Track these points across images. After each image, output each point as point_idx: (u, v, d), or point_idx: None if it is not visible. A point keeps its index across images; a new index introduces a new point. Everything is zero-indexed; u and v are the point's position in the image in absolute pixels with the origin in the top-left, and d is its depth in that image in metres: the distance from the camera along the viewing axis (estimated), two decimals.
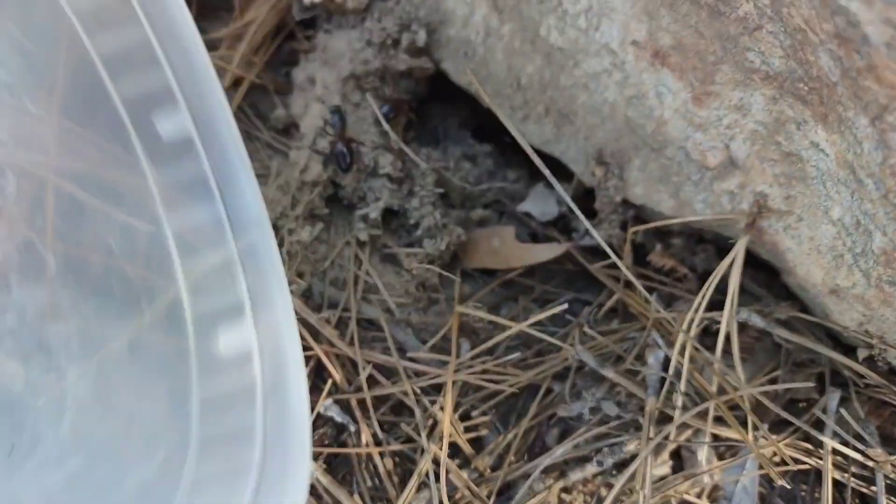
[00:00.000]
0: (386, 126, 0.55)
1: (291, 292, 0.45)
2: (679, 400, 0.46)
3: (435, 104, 0.63)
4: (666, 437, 0.47)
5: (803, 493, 0.54)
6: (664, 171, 0.52)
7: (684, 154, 0.49)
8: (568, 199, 0.55)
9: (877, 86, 0.31)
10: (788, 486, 0.52)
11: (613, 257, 0.52)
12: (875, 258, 0.39)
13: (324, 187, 0.53)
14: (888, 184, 0.35)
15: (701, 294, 0.47)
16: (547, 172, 0.53)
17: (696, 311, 0.47)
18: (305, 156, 0.52)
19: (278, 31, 0.57)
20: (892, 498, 0.52)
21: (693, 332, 0.46)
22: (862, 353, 0.49)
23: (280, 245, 0.50)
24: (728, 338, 0.47)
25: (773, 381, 0.54)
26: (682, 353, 0.47)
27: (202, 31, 0.56)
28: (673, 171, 0.51)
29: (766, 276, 0.58)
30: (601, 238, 0.55)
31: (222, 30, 0.55)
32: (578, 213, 0.53)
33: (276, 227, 0.51)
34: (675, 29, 0.43)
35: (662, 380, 0.49)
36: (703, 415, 0.49)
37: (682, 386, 0.46)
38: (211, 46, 0.55)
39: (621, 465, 0.51)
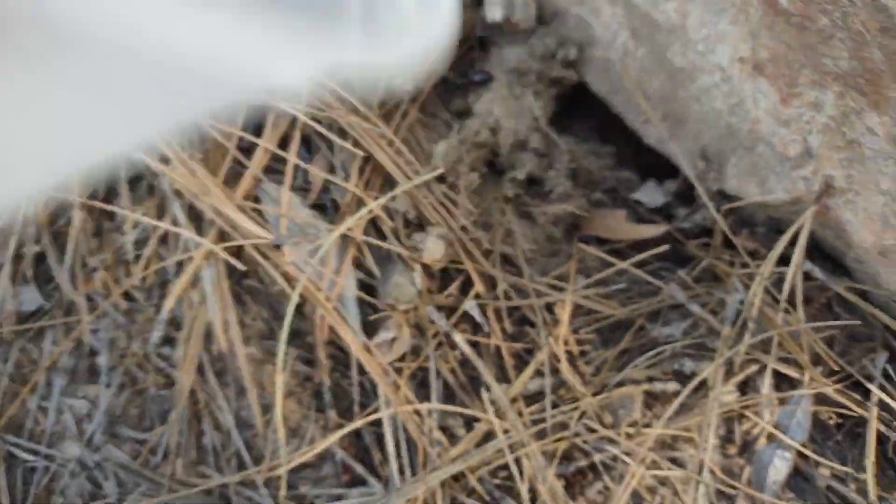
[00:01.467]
0: (537, 113, 0.72)
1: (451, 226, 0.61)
2: (748, 328, 0.59)
3: (575, 112, 0.80)
4: (734, 354, 0.59)
5: (841, 442, 0.64)
6: (754, 165, 0.66)
7: (770, 149, 0.63)
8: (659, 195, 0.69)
9: None
10: (836, 428, 0.63)
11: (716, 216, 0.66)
12: None
13: (486, 151, 0.70)
14: None
15: (775, 250, 0.60)
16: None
17: (769, 263, 0.60)
18: (478, 123, 0.69)
19: (463, 41, 0.76)
20: None
21: (766, 275, 0.59)
22: None
23: (455, 180, 0.67)
24: (794, 288, 0.59)
25: (831, 344, 0.65)
26: (755, 295, 0.60)
27: None
28: (761, 165, 0.65)
29: (831, 265, 0.70)
30: (696, 220, 0.69)
31: None
32: (700, 190, 0.68)
33: (447, 174, 0.68)
34: (771, 45, 0.58)
35: (738, 316, 0.62)
36: (768, 349, 0.61)
37: (755, 312, 0.59)
38: None
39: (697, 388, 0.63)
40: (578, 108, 0.81)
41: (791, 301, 0.62)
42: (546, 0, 0.75)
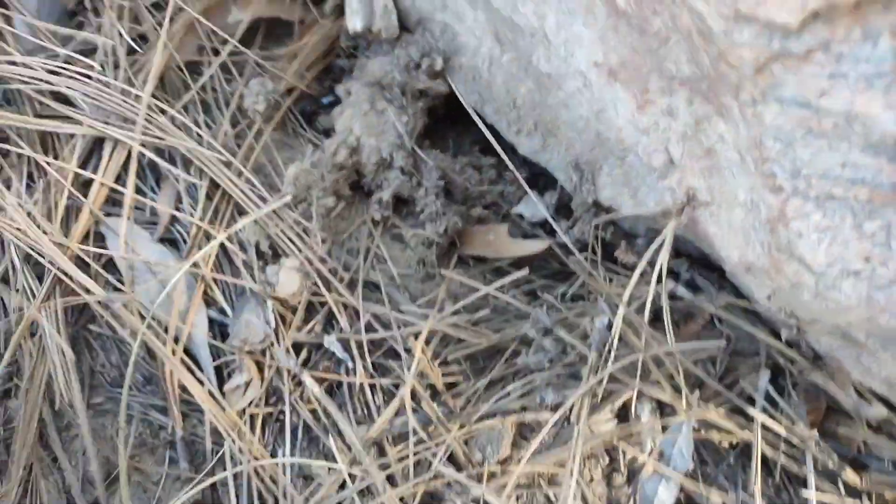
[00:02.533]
0: (401, 129, 0.67)
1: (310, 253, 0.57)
2: (613, 353, 0.54)
3: (451, 123, 0.75)
4: (600, 382, 0.55)
5: (732, 466, 0.59)
6: (626, 176, 0.61)
7: (638, 159, 0.59)
8: (542, 208, 0.65)
9: (729, 69, 0.40)
10: (728, 450, 0.58)
11: (572, 248, 0.61)
12: (764, 228, 0.47)
13: (348, 172, 0.65)
14: (754, 154, 0.43)
15: (639, 269, 0.56)
16: (522, 181, 0.64)
17: (631, 283, 0.55)
18: (336, 143, 0.64)
19: (327, 53, 0.71)
20: (822, 477, 0.57)
21: (626, 296, 0.55)
22: (785, 334, 0.56)
23: (308, 206, 0.62)
24: (658, 307, 0.55)
25: (714, 362, 0.61)
26: (619, 317, 0.55)
27: (266, 49, 0.71)
28: (632, 175, 0.61)
29: (718, 276, 0.65)
30: (575, 235, 0.65)
31: (282, 49, 0.69)
32: (549, 216, 0.63)
33: (305, 197, 0.63)
34: (619, 48, 0.53)
35: (605, 342, 0.57)
36: (643, 376, 0.57)
37: (615, 343, 0.54)
38: (271, 60, 0.69)
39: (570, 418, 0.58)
40: (456, 119, 0.76)
41: (660, 320, 0.57)
42: (411, 7, 0.70)
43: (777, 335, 0.59)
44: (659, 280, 0.56)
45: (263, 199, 0.61)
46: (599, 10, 0.53)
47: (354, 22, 0.69)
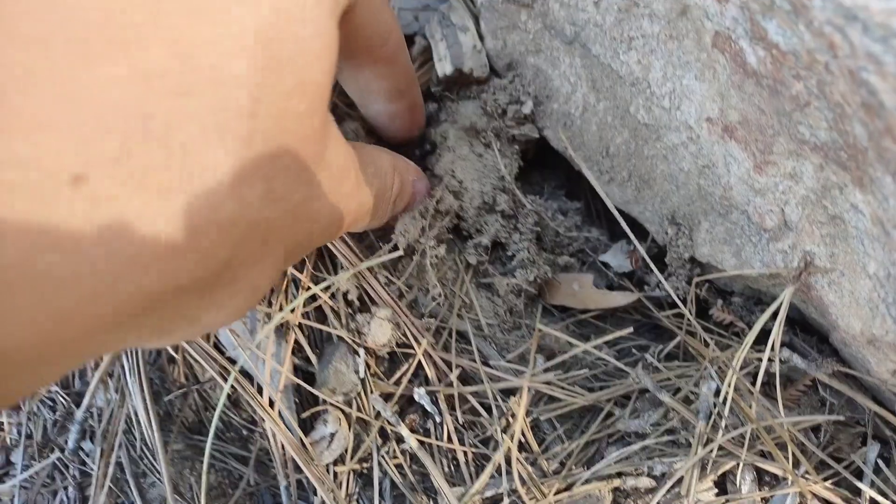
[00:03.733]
0: (503, 172, 0.65)
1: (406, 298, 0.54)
2: (723, 422, 0.52)
3: (539, 167, 0.73)
4: (709, 452, 0.52)
5: None
6: (729, 233, 0.59)
7: (746, 218, 0.56)
8: (642, 251, 0.63)
9: (894, 145, 0.38)
10: None
11: (678, 302, 0.59)
12: None
13: (451, 217, 0.63)
14: None
15: (752, 334, 0.53)
16: (627, 230, 0.62)
17: (743, 350, 0.53)
18: (440, 189, 0.62)
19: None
20: None
21: (737, 363, 0.52)
22: None
23: (422, 257, 0.60)
24: (771, 375, 0.52)
25: (816, 430, 0.58)
26: (730, 385, 0.53)
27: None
28: (736, 233, 0.58)
29: (817, 340, 0.63)
30: (670, 288, 0.62)
31: None
32: (650, 262, 0.61)
33: (414, 247, 0.61)
34: (741, 107, 0.51)
35: (712, 409, 0.54)
36: (748, 445, 0.54)
37: (727, 410, 0.52)
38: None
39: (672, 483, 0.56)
40: (543, 164, 0.74)
41: (770, 388, 0.55)
42: (501, 50, 0.68)
43: (885, 406, 0.56)
44: (772, 348, 0.54)
45: (354, 251, 0.59)
46: (721, 67, 0.51)
47: (444, 67, 0.67)
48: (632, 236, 0.60)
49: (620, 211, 0.67)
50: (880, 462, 0.55)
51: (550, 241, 0.69)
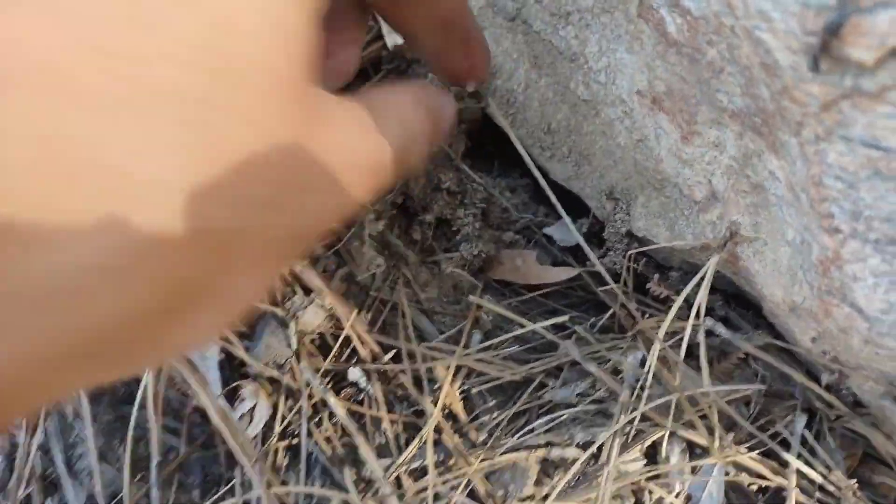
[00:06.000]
0: (448, 149, 0.65)
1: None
2: (646, 392, 0.52)
3: (491, 144, 0.73)
4: (631, 422, 0.52)
5: None
6: (663, 207, 0.59)
7: (678, 191, 0.57)
8: (575, 232, 0.63)
9: (793, 105, 0.38)
10: (751, 500, 0.56)
11: (606, 276, 0.59)
12: (815, 269, 0.45)
13: (395, 195, 0.64)
14: (811, 193, 0.41)
15: (677, 303, 0.54)
16: (557, 204, 0.62)
17: (668, 318, 0.53)
18: None
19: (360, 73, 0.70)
20: None
21: (661, 332, 0.52)
22: (825, 378, 0.53)
23: (361, 229, 0.60)
24: (694, 349, 0.53)
25: (749, 403, 0.59)
26: (654, 354, 0.53)
27: None
28: (670, 207, 0.59)
29: (753, 315, 0.63)
30: (606, 264, 0.63)
31: None
32: (582, 241, 0.61)
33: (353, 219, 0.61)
34: (666, 77, 0.51)
35: (638, 379, 0.55)
36: (675, 415, 0.55)
37: (649, 379, 0.52)
38: None
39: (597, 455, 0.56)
40: (496, 140, 0.74)
41: (692, 356, 0.55)
42: None
43: (815, 379, 0.57)
44: (697, 317, 0.54)
45: None
46: (647, 37, 0.51)
47: (394, 38, 0.67)
48: (562, 212, 0.61)
49: (562, 187, 0.68)
50: (807, 434, 0.55)
51: (497, 217, 0.70)
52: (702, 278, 0.53)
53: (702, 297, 0.53)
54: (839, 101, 0.36)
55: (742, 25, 0.38)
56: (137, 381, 0.59)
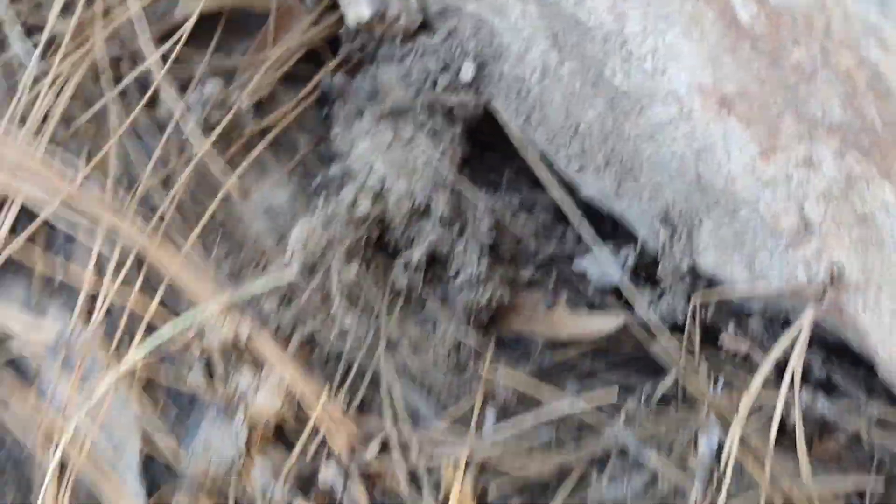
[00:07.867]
0: (440, 160, 0.66)
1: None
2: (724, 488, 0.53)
3: (492, 150, 0.74)
4: None
5: None
6: (738, 236, 0.61)
7: (756, 216, 0.58)
8: (617, 267, 0.64)
9: None
10: None
11: (660, 325, 0.60)
12: None
13: (371, 226, 0.64)
14: None
15: (762, 372, 0.55)
16: (594, 236, 0.63)
17: (751, 392, 0.54)
18: (354, 190, 0.63)
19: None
20: None
21: (743, 411, 0.54)
22: None
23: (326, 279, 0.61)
24: (786, 425, 0.54)
25: (862, 496, 0.60)
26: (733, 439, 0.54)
27: (225, 53, 0.71)
28: (747, 237, 0.60)
29: (865, 374, 0.64)
30: (662, 311, 0.64)
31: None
32: (628, 282, 0.63)
33: (317, 265, 0.62)
34: (738, 76, 0.52)
35: (713, 471, 0.56)
36: None
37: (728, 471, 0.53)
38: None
39: None
40: (499, 143, 0.75)
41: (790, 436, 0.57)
42: None
43: None
44: (790, 385, 0.56)
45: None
46: (710, 21, 0.52)
47: (358, 10, 0.68)
48: (597, 239, 0.62)
49: (598, 208, 0.69)
50: None
51: (509, 249, 0.70)
52: (795, 338, 0.54)
53: (795, 363, 0.54)
54: None
55: (840, 33, 0.39)
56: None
